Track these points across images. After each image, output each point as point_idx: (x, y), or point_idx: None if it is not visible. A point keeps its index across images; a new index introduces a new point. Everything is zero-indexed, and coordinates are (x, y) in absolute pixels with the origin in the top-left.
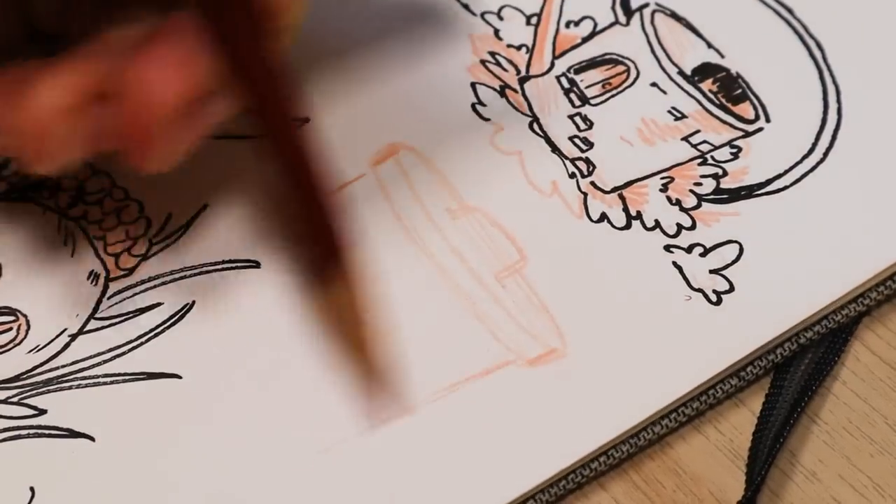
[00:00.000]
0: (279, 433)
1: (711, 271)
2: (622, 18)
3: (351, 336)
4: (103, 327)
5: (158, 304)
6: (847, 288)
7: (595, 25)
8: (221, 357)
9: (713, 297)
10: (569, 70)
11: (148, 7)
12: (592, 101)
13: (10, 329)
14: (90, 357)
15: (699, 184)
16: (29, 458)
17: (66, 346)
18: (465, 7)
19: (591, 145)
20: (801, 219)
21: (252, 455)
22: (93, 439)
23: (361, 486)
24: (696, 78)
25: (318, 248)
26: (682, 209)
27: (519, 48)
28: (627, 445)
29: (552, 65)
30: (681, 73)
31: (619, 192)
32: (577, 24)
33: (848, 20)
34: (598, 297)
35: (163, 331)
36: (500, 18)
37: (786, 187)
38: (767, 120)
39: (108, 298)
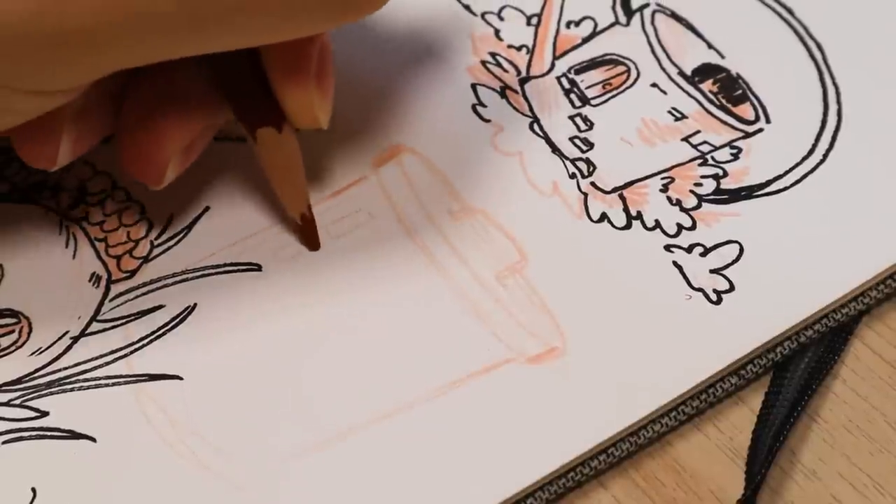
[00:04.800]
0: (280, 431)
1: (712, 271)
2: (622, 19)
3: (283, 178)
4: (105, 329)
5: (160, 307)
6: (847, 289)
7: (595, 26)
8: (223, 359)
9: (713, 297)
10: (569, 70)
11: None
12: (593, 102)
13: (13, 331)
14: (92, 359)
15: (699, 184)
16: (31, 459)
17: (68, 348)
18: (466, 7)
19: (591, 146)
20: (802, 219)
21: (252, 453)
22: (94, 441)
23: (362, 481)
24: (697, 78)
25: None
26: (683, 209)
27: (519, 49)
28: (627, 444)
29: (553, 65)
30: (681, 73)
31: (619, 192)
32: (577, 24)
33: (848, 21)
34: (598, 296)
35: (164, 333)
36: (501, 19)
37: (786, 188)
38: (768, 121)
39: (110, 301)
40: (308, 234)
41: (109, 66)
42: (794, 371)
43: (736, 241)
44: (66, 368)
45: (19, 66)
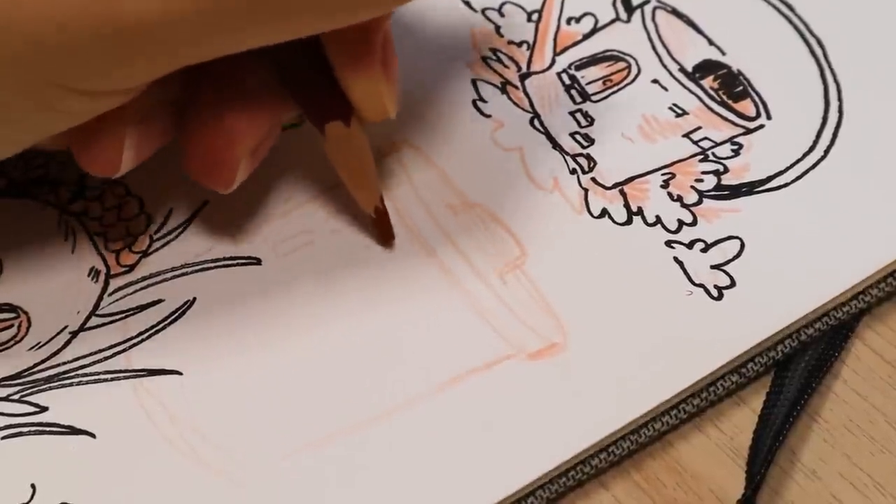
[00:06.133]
0: (280, 427)
1: (713, 267)
2: (623, 15)
3: (354, 173)
4: (104, 324)
5: (159, 301)
6: (848, 285)
7: (596, 22)
8: (222, 354)
9: (714, 293)
10: (570, 66)
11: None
12: (593, 98)
13: (12, 326)
14: (91, 354)
15: (700, 180)
16: (30, 455)
17: (67, 343)
18: (466, 3)
19: (592, 141)
20: (802, 215)
21: (252, 449)
22: (94, 436)
23: (362, 478)
24: (698, 75)
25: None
26: (684, 205)
27: (520, 45)
28: (628, 443)
29: (553, 61)
30: (682, 69)
31: (620, 187)
32: (578, 20)
33: (849, 17)
34: (599, 292)
35: (164, 328)
36: (502, 15)
37: (787, 184)
38: (768, 117)
39: (109, 295)
40: (382, 228)
41: (168, 64)
42: (795, 370)
43: (737, 237)
44: (65, 363)
45: (73, 64)
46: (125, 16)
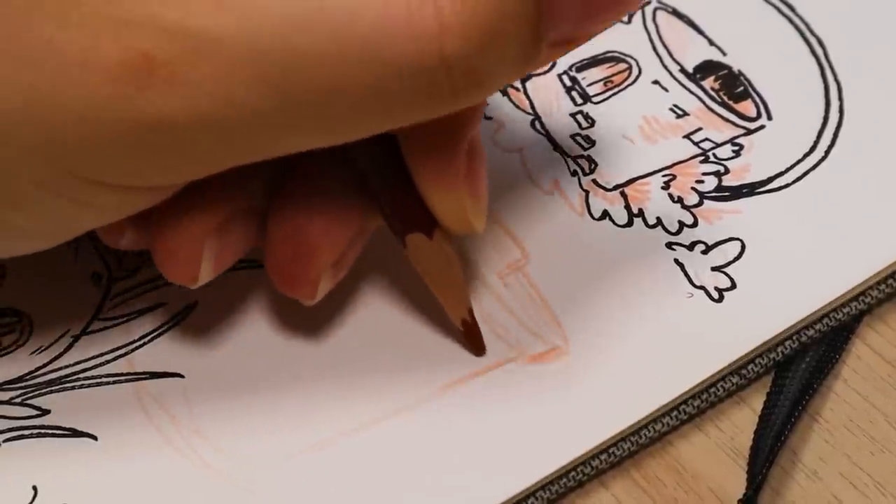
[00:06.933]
0: (281, 430)
1: (713, 268)
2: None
3: (438, 284)
4: (106, 328)
5: (161, 304)
6: (849, 286)
7: None
8: (224, 357)
9: (715, 295)
10: (570, 68)
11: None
12: (594, 100)
13: (14, 330)
14: (93, 357)
15: (701, 181)
16: (32, 457)
17: (70, 346)
18: None
19: (592, 143)
20: (803, 216)
21: (253, 451)
22: (95, 439)
23: (362, 481)
24: (698, 76)
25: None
26: (684, 206)
27: None
28: (629, 443)
29: (554, 63)
30: (682, 70)
31: (620, 189)
32: None
33: (849, 17)
34: (599, 294)
35: (166, 331)
36: None
37: (788, 185)
38: (769, 118)
39: (112, 299)
40: (472, 341)
41: (202, 163)
42: (796, 371)
43: (737, 239)
44: (67, 367)
45: (93, 158)
46: (143, 115)
